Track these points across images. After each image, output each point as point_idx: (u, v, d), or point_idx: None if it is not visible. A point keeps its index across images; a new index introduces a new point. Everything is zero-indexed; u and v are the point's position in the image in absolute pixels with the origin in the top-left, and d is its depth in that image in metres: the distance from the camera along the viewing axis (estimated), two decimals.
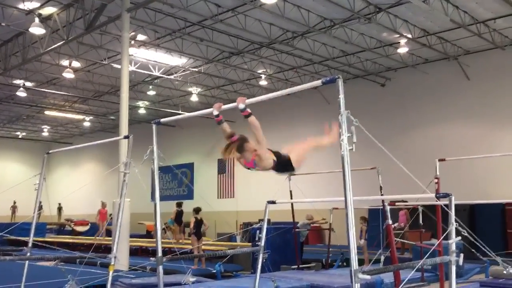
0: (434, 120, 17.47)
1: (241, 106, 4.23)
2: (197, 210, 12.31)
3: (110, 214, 13.47)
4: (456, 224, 4.37)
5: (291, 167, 4.66)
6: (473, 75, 16.72)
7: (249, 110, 4.25)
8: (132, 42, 14.83)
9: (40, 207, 20.27)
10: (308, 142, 4.85)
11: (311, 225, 13.28)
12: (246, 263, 12.35)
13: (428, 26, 14.61)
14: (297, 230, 11.95)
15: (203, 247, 13.21)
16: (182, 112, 22.22)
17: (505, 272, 7.96)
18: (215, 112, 4.51)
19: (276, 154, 4.54)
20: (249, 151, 4.36)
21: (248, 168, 4.55)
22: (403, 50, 15.71)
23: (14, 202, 28.37)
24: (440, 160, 8.70)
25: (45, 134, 32.11)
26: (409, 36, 14.77)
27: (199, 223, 12.15)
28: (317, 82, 3.95)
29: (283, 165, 4.60)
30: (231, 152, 4.33)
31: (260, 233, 5.87)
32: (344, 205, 3.40)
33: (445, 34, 15.14)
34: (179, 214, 15.95)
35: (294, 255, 11.57)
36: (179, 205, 16.01)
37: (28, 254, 6.97)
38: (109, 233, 17.75)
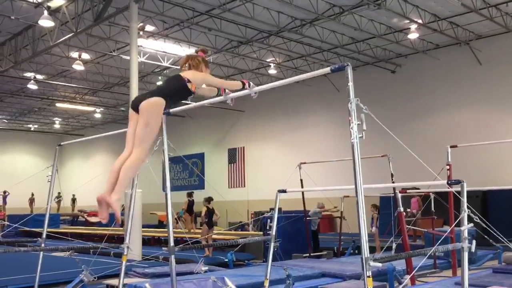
0: (445, 106, 17.29)
1: (251, 84, 4.42)
2: (208, 200, 12.38)
3: (122, 205, 13.52)
4: (468, 211, 4.35)
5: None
6: (485, 60, 16.48)
7: (246, 87, 4.40)
8: (141, 33, 14.82)
9: (59, 197, 20.26)
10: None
11: (322, 213, 13.29)
12: (258, 252, 12.41)
13: (439, 11, 14.41)
14: (308, 218, 11.96)
15: (215, 236, 13.27)
16: (192, 102, 22.22)
17: None
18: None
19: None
20: (200, 67, 4.13)
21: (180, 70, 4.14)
22: (413, 35, 15.54)
23: (32, 194, 28.30)
24: (451, 146, 8.63)
25: (57, 126, 32.36)
26: (420, 21, 14.58)
27: (211, 212, 12.22)
28: (326, 70, 3.92)
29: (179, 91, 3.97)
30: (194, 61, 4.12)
31: (271, 222, 5.89)
32: (355, 193, 3.39)
33: (456, 18, 14.93)
34: (190, 204, 16.05)
35: (306, 243, 11.60)
36: (190, 195, 16.09)
37: (43, 245, 7.05)
38: None
